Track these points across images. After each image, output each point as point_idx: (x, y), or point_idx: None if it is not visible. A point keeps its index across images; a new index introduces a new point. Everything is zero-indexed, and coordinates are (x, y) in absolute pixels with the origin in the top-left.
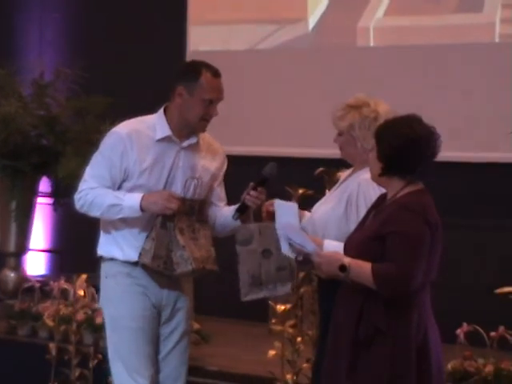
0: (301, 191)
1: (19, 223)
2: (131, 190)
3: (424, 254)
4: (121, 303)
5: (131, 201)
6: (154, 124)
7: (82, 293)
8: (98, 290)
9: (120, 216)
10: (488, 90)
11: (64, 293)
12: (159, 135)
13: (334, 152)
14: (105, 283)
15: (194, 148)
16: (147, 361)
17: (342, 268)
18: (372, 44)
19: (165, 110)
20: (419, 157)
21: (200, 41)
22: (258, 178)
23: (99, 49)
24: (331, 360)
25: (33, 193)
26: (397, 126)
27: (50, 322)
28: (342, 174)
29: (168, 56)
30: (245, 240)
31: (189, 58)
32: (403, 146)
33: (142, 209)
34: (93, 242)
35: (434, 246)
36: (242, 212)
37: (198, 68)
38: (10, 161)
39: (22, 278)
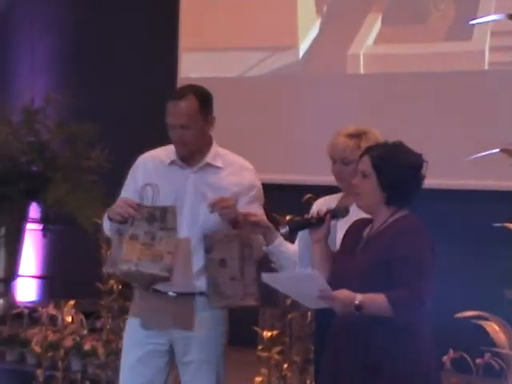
0: (288, 217)
1: (8, 249)
2: None
3: (433, 276)
4: None
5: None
6: (172, 150)
7: (70, 319)
8: (86, 316)
9: (109, 227)
10: (477, 117)
11: (52, 319)
12: (167, 160)
13: (321, 179)
14: None
15: (210, 172)
16: None
17: (358, 308)
18: (362, 71)
19: None
20: (414, 184)
21: (191, 67)
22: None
23: (90, 75)
24: None
25: (22, 219)
26: (395, 155)
27: (37, 349)
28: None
29: (159, 83)
30: (207, 248)
31: (180, 84)
32: (409, 174)
33: (109, 217)
34: (81, 267)
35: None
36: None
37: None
38: None
39: (11, 303)
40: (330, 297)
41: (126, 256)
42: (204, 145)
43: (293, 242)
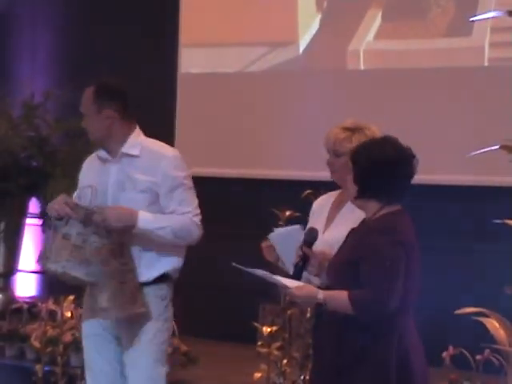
0: (288, 213)
1: (8, 244)
2: None
3: (399, 277)
4: None
5: None
6: None
7: (69, 314)
8: None
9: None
10: (477, 113)
11: (52, 314)
12: (99, 155)
13: (321, 174)
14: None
15: (127, 161)
16: None
17: (320, 304)
18: (362, 67)
19: None
20: (393, 179)
21: (191, 63)
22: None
23: (90, 71)
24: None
25: (22, 214)
26: (369, 149)
27: (36, 344)
28: (325, 198)
29: (160, 78)
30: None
31: (180, 80)
32: (375, 168)
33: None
34: None
35: (410, 267)
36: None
37: None
38: None
39: (11, 298)
40: (291, 294)
41: (57, 256)
42: (118, 135)
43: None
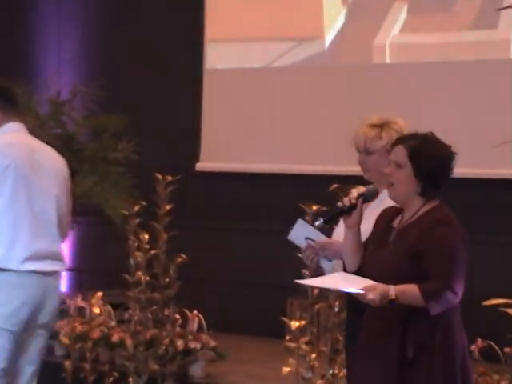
0: (315, 208)
1: None
2: None
3: (464, 267)
4: None
5: None
6: None
7: (97, 311)
8: (114, 307)
9: None
10: (503, 106)
11: (80, 311)
12: None
13: (347, 169)
14: None
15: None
16: None
17: (392, 301)
18: (388, 61)
19: None
20: (449, 174)
21: (217, 59)
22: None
23: (117, 67)
24: (369, 377)
25: None
26: (431, 147)
27: (65, 340)
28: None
29: (185, 74)
30: None
31: (205, 75)
32: (444, 164)
33: None
34: (109, 259)
35: (467, 260)
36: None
37: None
38: None
39: None
40: (364, 297)
41: None
42: None
43: (327, 233)
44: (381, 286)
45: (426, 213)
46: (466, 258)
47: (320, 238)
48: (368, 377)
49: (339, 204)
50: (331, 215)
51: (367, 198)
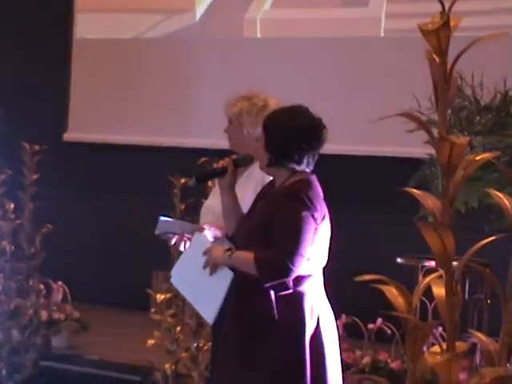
0: (183, 181)
1: None
2: None
3: (307, 241)
4: None
5: None
6: None
7: None
8: None
9: None
10: (373, 83)
11: None
12: None
13: (217, 142)
14: None
15: None
16: None
17: (227, 250)
18: (259, 35)
19: None
20: (304, 147)
21: (86, 28)
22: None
23: None
24: (223, 354)
25: None
26: (281, 117)
27: None
28: None
29: (55, 44)
30: None
31: (75, 45)
32: (287, 136)
33: None
34: None
35: (320, 234)
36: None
37: None
38: None
39: None
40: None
41: None
42: None
43: (202, 192)
44: (216, 248)
45: (287, 186)
46: (311, 233)
47: (186, 226)
48: (224, 352)
49: (214, 166)
50: (203, 175)
51: (239, 163)
